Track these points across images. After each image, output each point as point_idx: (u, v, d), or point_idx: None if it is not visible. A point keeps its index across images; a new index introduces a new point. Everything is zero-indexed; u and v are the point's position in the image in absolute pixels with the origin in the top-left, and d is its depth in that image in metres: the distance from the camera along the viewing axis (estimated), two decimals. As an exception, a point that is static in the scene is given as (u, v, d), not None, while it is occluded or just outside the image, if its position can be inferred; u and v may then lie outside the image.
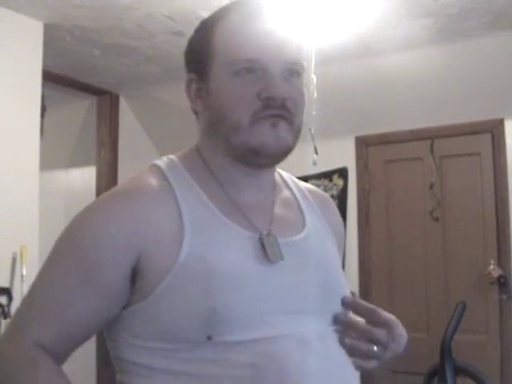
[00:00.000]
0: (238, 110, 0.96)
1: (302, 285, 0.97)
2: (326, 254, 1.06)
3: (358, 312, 1.01)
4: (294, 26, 1.02)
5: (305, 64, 1.02)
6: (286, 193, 1.10)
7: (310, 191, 1.15)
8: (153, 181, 0.98)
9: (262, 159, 0.99)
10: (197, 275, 0.90)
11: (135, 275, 0.92)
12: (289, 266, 0.97)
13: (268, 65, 0.96)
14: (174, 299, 0.89)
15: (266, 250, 0.95)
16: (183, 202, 0.95)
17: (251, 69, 0.95)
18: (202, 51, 1.01)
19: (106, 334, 0.98)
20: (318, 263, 1.02)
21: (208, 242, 0.93)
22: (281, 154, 0.99)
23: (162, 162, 1.03)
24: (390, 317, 1.01)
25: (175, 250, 0.91)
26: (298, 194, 1.11)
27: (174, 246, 0.91)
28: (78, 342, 0.95)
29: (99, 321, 0.94)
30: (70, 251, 0.95)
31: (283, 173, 1.15)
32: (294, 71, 0.99)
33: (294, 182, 1.15)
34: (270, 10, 1.00)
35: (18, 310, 0.98)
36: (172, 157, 1.04)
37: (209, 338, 0.88)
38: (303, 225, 1.05)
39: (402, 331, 1.02)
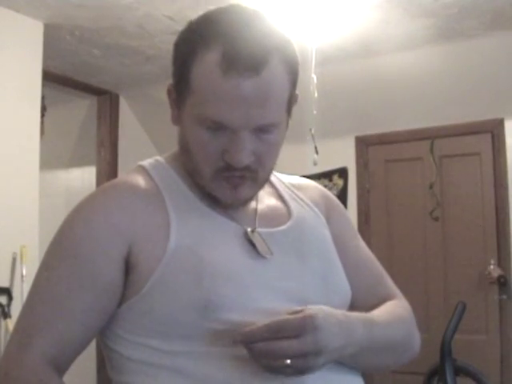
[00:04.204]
0: (201, 163, 0.94)
1: (293, 273, 0.97)
2: (316, 239, 1.05)
3: (256, 341, 0.83)
4: (281, 74, 0.91)
5: (282, 116, 0.95)
6: (267, 188, 1.09)
7: (291, 183, 1.14)
8: (137, 177, 1.00)
9: (222, 205, 0.99)
10: (187, 265, 0.90)
11: (129, 268, 0.92)
12: (278, 255, 0.97)
13: (236, 128, 0.90)
14: (167, 290, 0.89)
15: (256, 245, 0.95)
16: (167, 194, 0.97)
17: (219, 128, 0.91)
18: (182, 72, 0.95)
19: (100, 334, 0.97)
20: (309, 251, 1.02)
21: (195, 232, 0.93)
22: (238, 205, 0.99)
23: (146, 162, 1.05)
24: (298, 319, 0.85)
25: (164, 240, 0.91)
26: (279, 188, 1.11)
27: (162, 237, 0.91)
28: (81, 348, 0.94)
29: (99, 321, 0.93)
30: (62, 251, 0.94)
31: None
32: (268, 131, 0.93)
33: (275, 176, 1.14)
34: (261, 60, 0.88)
35: (20, 321, 0.93)
36: (158, 157, 1.06)
37: (206, 327, 0.88)
38: (289, 215, 1.05)
39: (325, 324, 0.85)
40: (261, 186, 1.00)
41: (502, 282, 3.70)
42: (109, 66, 4.44)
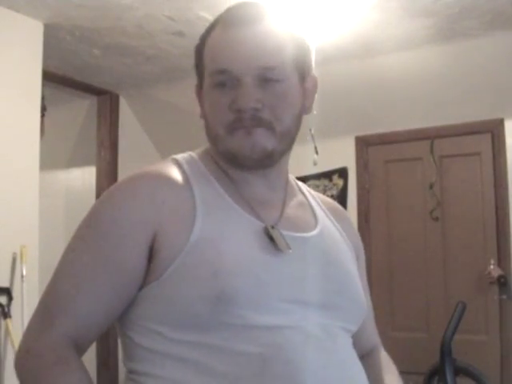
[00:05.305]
0: (215, 122, 1.00)
1: (309, 277, 0.98)
2: (337, 253, 1.07)
3: None
4: (279, 30, 1.01)
5: (286, 68, 0.99)
6: (299, 197, 1.13)
7: (324, 202, 1.18)
8: (170, 168, 1.02)
9: (243, 164, 1.01)
10: (206, 257, 0.91)
11: (152, 254, 0.94)
12: (295, 258, 0.98)
13: (239, 74, 0.96)
14: (184, 280, 0.90)
15: (275, 240, 0.96)
16: (196, 188, 0.99)
17: (225, 80, 0.97)
18: (198, 61, 1.05)
19: (118, 319, 0.99)
20: (328, 260, 1.03)
21: (218, 226, 0.95)
22: (260, 158, 0.99)
23: (179, 156, 1.06)
24: None
25: (187, 230, 0.93)
26: (311, 200, 1.14)
27: (187, 227, 0.93)
28: (101, 329, 0.96)
29: (121, 304, 0.95)
30: (89, 234, 0.96)
31: (299, 182, 1.18)
32: (270, 77, 0.97)
33: (308, 191, 1.18)
34: (257, 16, 0.99)
35: (43, 300, 0.96)
36: (191, 153, 1.08)
37: (217, 320, 0.89)
38: (315, 225, 1.07)
39: None
40: (281, 141, 1.00)
41: (502, 282, 3.70)
42: (109, 66, 4.44)
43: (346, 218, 1.21)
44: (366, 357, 1.12)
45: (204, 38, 1.03)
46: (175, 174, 1.00)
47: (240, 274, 0.91)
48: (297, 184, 1.17)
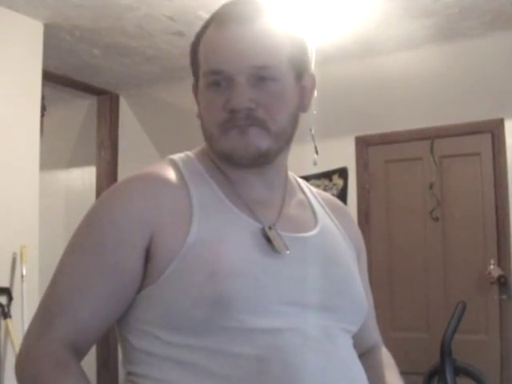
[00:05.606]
0: (209, 122, 0.99)
1: (308, 278, 0.97)
2: (338, 252, 1.06)
3: None
4: (274, 28, 0.99)
5: (281, 66, 0.98)
6: (299, 195, 1.12)
7: (324, 199, 1.16)
8: (166, 169, 1.01)
9: (238, 163, 1.00)
10: (203, 259, 0.91)
11: (149, 257, 0.94)
12: (294, 259, 0.97)
13: (232, 74, 0.95)
14: (181, 283, 0.90)
15: (272, 241, 0.96)
16: (193, 189, 0.98)
17: (219, 80, 0.96)
18: (193, 60, 1.04)
19: (117, 322, 0.98)
20: (328, 260, 1.02)
21: (216, 228, 0.95)
22: (254, 158, 0.98)
23: (176, 156, 1.06)
24: None
25: (184, 232, 0.92)
26: (311, 198, 1.13)
27: (183, 229, 0.93)
28: (100, 332, 0.95)
29: (119, 307, 0.95)
30: (87, 237, 0.96)
31: (299, 179, 1.17)
32: (264, 76, 0.96)
33: (308, 188, 1.17)
34: (252, 14, 0.98)
35: (43, 303, 0.96)
36: (188, 152, 1.07)
37: (215, 323, 0.89)
38: (315, 225, 1.06)
39: None
40: (277, 140, 0.99)
41: (502, 282, 3.70)
42: (109, 66, 4.44)
43: (346, 215, 1.20)
44: (367, 354, 1.12)
45: (199, 37, 1.02)
46: (172, 175, 1.00)
47: (238, 277, 0.90)
48: (297, 181, 1.16)
